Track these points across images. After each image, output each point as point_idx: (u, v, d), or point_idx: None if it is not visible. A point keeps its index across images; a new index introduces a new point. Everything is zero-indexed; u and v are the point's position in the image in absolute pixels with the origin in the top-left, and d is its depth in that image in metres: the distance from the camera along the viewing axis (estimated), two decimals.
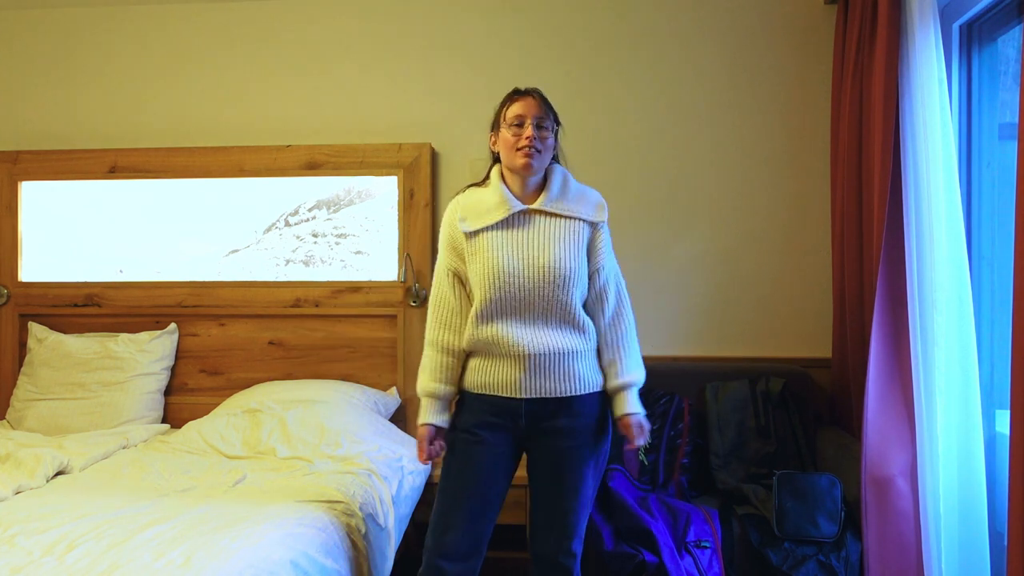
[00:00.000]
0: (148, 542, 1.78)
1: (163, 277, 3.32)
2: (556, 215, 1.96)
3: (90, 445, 2.68)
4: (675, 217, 3.11)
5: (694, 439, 2.76)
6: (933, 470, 2.10)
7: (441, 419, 1.97)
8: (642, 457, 2.68)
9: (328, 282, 3.21)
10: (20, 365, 3.24)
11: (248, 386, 3.15)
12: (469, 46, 3.19)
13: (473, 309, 1.95)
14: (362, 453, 2.57)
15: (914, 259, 2.17)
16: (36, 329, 3.22)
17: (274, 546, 1.80)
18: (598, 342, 1.99)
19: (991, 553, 2.10)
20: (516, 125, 1.93)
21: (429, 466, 2.80)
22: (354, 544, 2.09)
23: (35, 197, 3.35)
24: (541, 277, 1.90)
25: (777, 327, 3.08)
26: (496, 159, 2.03)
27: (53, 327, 3.25)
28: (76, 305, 3.28)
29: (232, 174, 3.21)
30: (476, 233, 1.95)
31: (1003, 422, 2.19)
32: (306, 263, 3.35)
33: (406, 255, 3.14)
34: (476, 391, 1.98)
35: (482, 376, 1.97)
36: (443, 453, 2.00)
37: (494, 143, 2.02)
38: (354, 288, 3.19)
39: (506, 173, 2.00)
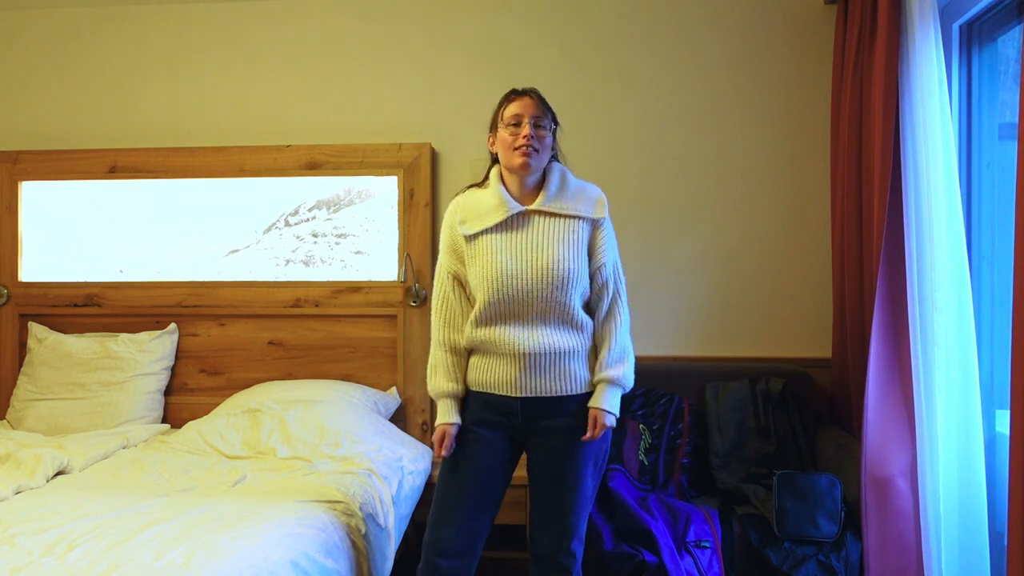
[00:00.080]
0: (148, 542, 1.78)
1: (163, 277, 3.32)
2: (555, 215, 1.95)
3: (90, 445, 2.68)
4: (675, 217, 3.11)
5: (694, 439, 2.76)
6: (933, 470, 2.10)
7: (459, 417, 1.99)
8: (642, 457, 2.68)
9: (328, 282, 3.21)
10: (20, 365, 3.24)
11: (248, 386, 3.15)
12: (469, 46, 3.19)
13: (474, 311, 1.95)
14: (362, 453, 2.57)
15: (914, 259, 2.17)
16: (36, 329, 3.22)
17: (274, 546, 1.80)
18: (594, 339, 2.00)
19: (991, 553, 2.10)
20: (513, 125, 1.93)
21: (429, 466, 2.81)
22: (354, 544, 2.09)
23: (35, 197, 3.35)
24: (541, 279, 1.90)
25: (777, 327, 3.08)
26: (495, 160, 2.03)
27: (53, 327, 3.25)
28: (76, 305, 3.27)
29: (232, 174, 3.21)
30: (475, 236, 1.96)
31: (1003, 422, 2.19)
32: (306, 263, 3.35)
33: (406, 255, 3.14)
34: (475, 389, 2.00)
35: (480, 374, 1.98)
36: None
37: (492, 144, 2.02)
38: (354, 288, 3.19)
39: (505, 173, 2.00)
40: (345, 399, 2.90)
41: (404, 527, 2.53)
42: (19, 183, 3.29)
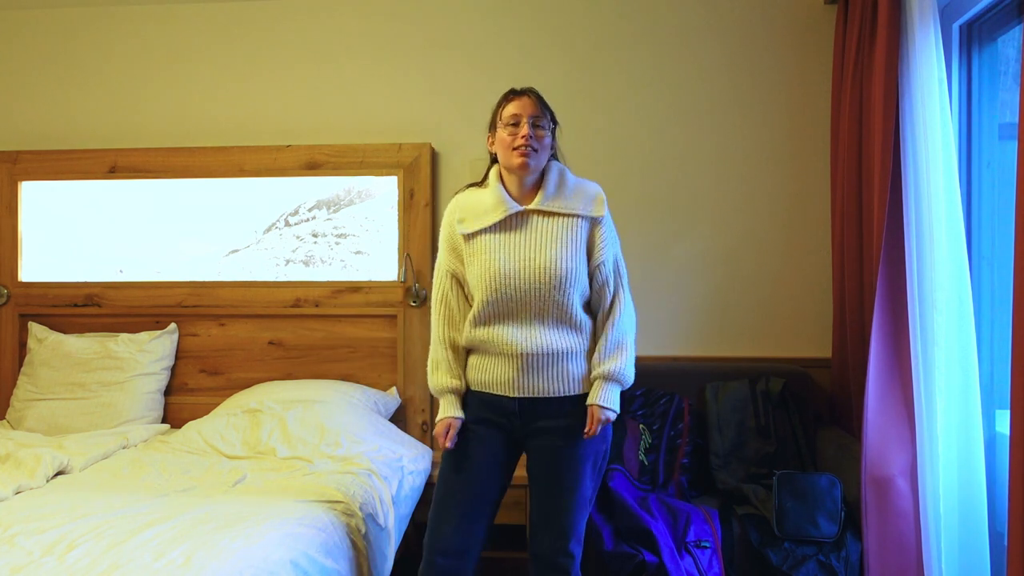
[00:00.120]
0: (148, 542, 1.78)
1: (163, 277, 3.32)
2: (553, 214, 1.95)
3: (90, 445, 2.68)
4: (675, 217, 3.11)
5: (694, 439, 2.76)
6: (933, 470, 2.09)
7: (462, 412, 1.99)
8: (642, 457, 2.68)
9: (328, 282, 3.21)
10: (20, 365, 3.24)
11: (248, 386, 3.15)
12: (469, 45, 3.19)
13: (472, 310, 1.96)
14: (362, 453, 2.57)
15: (914, 259, 2.17)
16: (36, 329, 3.22)
17: (274, 546, 1.80)
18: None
19: (991, 553, 2.10)
20: (512, 125, 1.93)
21: (429, 466, 2.82)
22: (354, 544, 2.09)
23: (35, 197, 3.35)
24: (538, 278, 1.89)
25: (777, 327, 3.08)
26: (494, 159, 2.03)
27: (53, 327, 3.25)
28: (76, 305, 3.27)
29: (232, 174, 3.21)
30: (473, 235, 1.96)
31: (1003, 422, 2.19)
32: (306, 263, 3.35)
33: (406, 255, 3.14)
34: (474, 388, 2.01)
35: (479, 374, 1.98)
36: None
37: (491, 144, 2.02)
38: (354, 288, 3.19)
39: (504, 173, 2.00)
40: (345, 399, 2.90)
41: (404, 527, 2.53)
42: (19, 183, 3.29)
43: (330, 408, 2.81)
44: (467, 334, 1.98)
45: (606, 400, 1.90)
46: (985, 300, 2.29)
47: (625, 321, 1.97)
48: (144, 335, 3.17)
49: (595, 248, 1.96)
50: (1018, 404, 1.64)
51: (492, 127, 2.01)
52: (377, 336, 3.18)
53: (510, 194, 1.98)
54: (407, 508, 2.58)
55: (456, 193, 2.09)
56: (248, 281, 3.24)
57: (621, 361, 1.93)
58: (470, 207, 2.00)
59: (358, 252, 3.34)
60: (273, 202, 3.39)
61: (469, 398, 2.01)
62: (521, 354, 1.90)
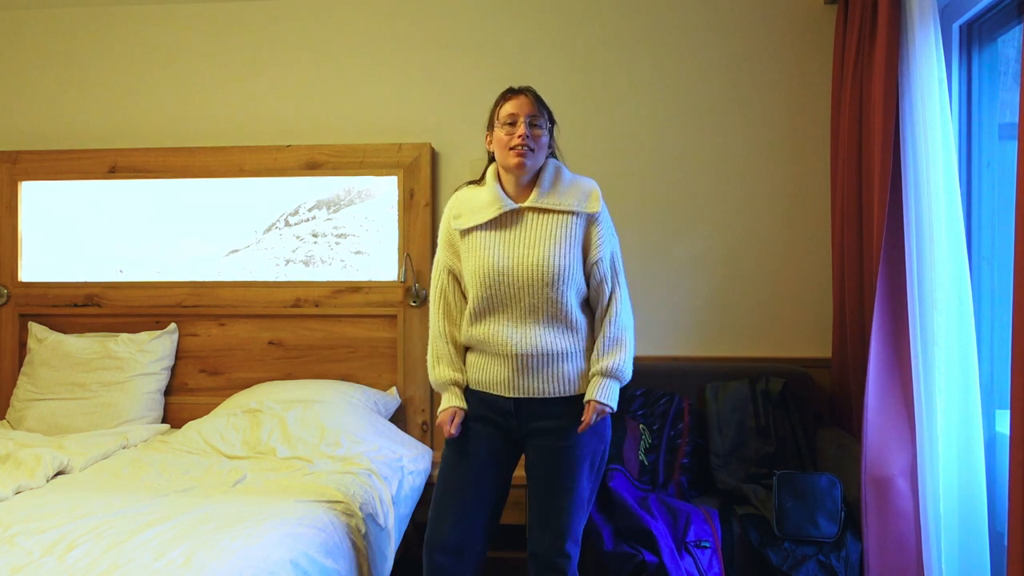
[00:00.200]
0: (148, 542, 1.78)
1: (163, 277, 3.32)
2: (548, 211, 1.95)
3: (90, 445, 2.68)
4: (675, 217, 3.11)
5: (694, 439, 2.76)
6: (933, 470, 2.09)
7: (464, 403, 2.00)
8: (642, 457, 2.68)
9: (328, 282, 3.21)
10: (20, 365, 3.24)
11: (248, 386, 3.15)
12: (469, 45, 3.19)
13: (468, 307, 1.97)
14: (362, 453, 2.57)
15: (914, 259, 2.17)
16: (36, 329, 3.22)
17: (274, 546, 1.80)
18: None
19: (991, 553, 2.10)
20: (509, 124, 1.93)
21: (429, 466, 2.82)
22: (354, 544, 2.09)
23: (35, 197, 3.35)
24: (531, 275, 1.89)
25: (777, 327, 3.08)
26: (492, 158, 2.04)
27: (53, 327, 3.25)
28: (76, 305, 3.27)
29: (232, 174, 3.21)
30: (469, 231, 1.97)
31: (1003, 422, 2.19)
32: (306, 263, 3.35)
33: (406, 255, 3.14)
34: (472, 387, 2.01)
35: (477, 373, 1.99)
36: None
37: (489, 143, 2.02)
38: (354, 288, 3.19)
39: (501, 172, 2.01)
40: (345, 399, 2.90)
41: (404, 527, 2.53)
42: (19, 183, 3.29)
43: (330, 408, 2.81)
44: (464, 332, 1.99)
45: (604, 396, 1.90)
46: (985, 300, 2.29)
47: (623, 318, 1.97)
48: (144, 335, 3.17)
49: (592, 245, 1.96)
50: (1018, 404, 1.64)
51: (490, 126, 2.01)
52: (377, 336, 3.18)
53: (506, 192, 1.98)
54: (407, 508, 2.58)
55: (455, 190, 2.10)
56: (248, 281, 3.24)
57: (619, 357, 1.93)
58: (467, 204, 2.01)
59: (358, 252, 3.34)
60: (273, 202, 3.39)
61: (468, 396, 2.02)
62: (517, 355, 1.91)
